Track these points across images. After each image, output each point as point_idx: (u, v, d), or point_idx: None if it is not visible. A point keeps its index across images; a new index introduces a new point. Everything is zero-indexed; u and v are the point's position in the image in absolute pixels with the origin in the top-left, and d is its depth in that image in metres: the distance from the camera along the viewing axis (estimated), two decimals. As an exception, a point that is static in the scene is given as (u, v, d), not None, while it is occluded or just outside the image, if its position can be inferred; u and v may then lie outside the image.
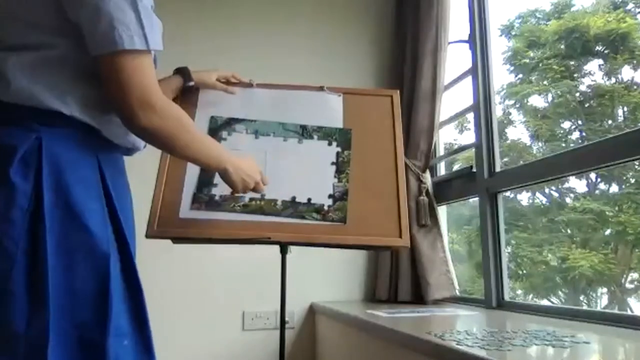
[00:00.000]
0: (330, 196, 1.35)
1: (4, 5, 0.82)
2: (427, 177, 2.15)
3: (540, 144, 4.54)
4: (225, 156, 1.07)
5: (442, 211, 2.26)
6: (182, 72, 1.35)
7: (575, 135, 4.54)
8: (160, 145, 0.94)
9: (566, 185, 4.43)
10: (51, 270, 0.73)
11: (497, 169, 1.91)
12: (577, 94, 4.41)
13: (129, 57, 0.80)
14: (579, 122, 4.43)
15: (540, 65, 4.54)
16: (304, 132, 1.44)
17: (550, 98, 4.57)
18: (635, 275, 3.92)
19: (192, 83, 1.34)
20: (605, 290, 4.05)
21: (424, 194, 2.10)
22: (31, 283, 0.72)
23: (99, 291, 0.77)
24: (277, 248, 1.38)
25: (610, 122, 4.26)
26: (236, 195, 1.24)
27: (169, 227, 1.29)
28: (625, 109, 4.21)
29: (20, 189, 0.74)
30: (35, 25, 0.82)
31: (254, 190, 1.18)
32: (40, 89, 0.79)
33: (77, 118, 0.82)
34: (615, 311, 3.24)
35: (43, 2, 0.81)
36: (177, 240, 1.36)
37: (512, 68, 4.78)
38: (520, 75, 4.76)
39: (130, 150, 0.96)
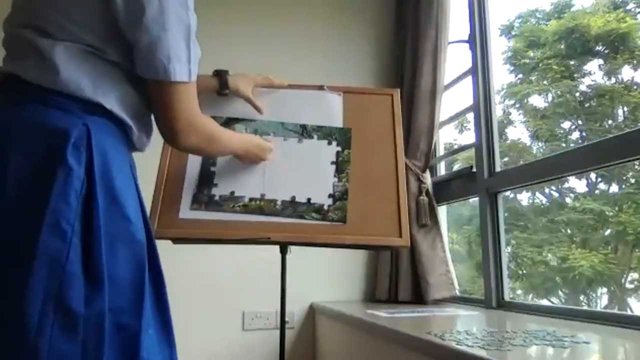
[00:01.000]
0: (330, 196, 1.35)
1: (58, 2, 0.84)
2: (427, 177, 2.15)
3: (540, 144, 4.54)
4: (239, 144, 1.27)
5: (442, 211, 2.26)
6: (221, 76, 1.35)
7: (575, 135, 4.54)
8: (197, 154, 1.27)
9: (566, 185, 4.43)
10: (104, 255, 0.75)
11: (497, 169, 1.91)
12: (577, 94, 4.40)
13: (179, 87, 0.88)
14: (579, 122, 4.43)
15: (540, 65, 4.54)
16: (304, 131, 1.44)
17: (550, 98, 4.57)
18: (635, 275, 3.92)
19: (226, 92, 1.36)
20: (605, 290, 4.05)
21: (424, 194, 2.10)
22: (87, 265, 0.73)
23: (136, 279, 0.79)
24: (277, 248, 1.38)
25: (610, 122, 4.26)
26: (236, 195, 1.33)
27: (169, 227, 1.29)
28: (625, 109, 4.21)
29: (75, 172, 0.76)
30: (89, 29, 0.85)
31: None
32: (86, 81, 0.82)
33: (115, 113, 0.85)
34: (615, 311, 3.24)
35: (103, 15, 0.84)
36: (177, 240, 1.36)
37: (512, 68, 4.78)
38: (520, 75, 4.76)
39: (138, 150, 1.01)
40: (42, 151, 0.76)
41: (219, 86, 1.36)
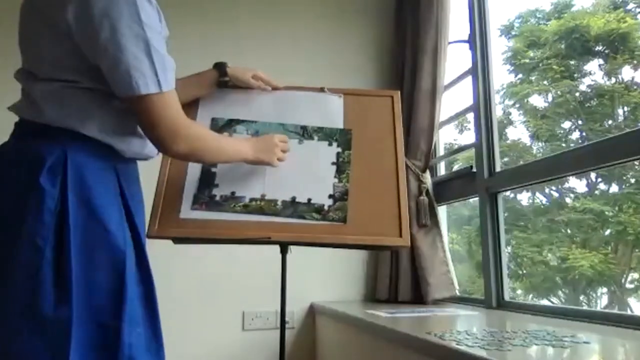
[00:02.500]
0: (330, 196, 1.36)
1: (33, 47, 0.96)
2: (427, 177, 2.15)
3: (540, 144, 4.55)
4: (243, 149, 1.24)
5: (442, 211, 2.26)
6: (219, 67, 1.40)
7: (575, 135, 4.54)
8: (193, 161, 1.23)
9: (566, 185, 4.43)
10: (74, 262, 0.84)
11: (497, 169, 1.91)
12: (577, 94, 4.41)
13: (151, 98, 0.93)
14: (579, 122, 4.43)
15: (540, 65, 4.54)
16: (305, 132, 1.44)
17: (550, 98, 4.58)
18: (635, 275, 3.92)
19: (227, 78, 1.39)
20: (605, 290, 4.05)
21: (424, 194, 2.10)
22: (58, 273, 0.83)
23: (115, 283, 0.87)
24: (277, 248, 1.38)
25: (610, 122, 4.26)
26: (237, 195, 1.32)
27: (170, 227, 1.30)
28: (625, 109, 4.21)
29: (48, 193, 0.86)
30: (60, 65, 0.94)
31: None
32: (64, 114, 0.92)
33: (96, 138, 0.94)
34: (615, 311, 3.24)
35: (66, 49, 0.92)
36: (177, 240, 1.36)
37: (512, 68, 4.78)
38: (520, 75, 4.76)
39: (146, 159, 1.09)
40: (22, 177, 0.87)
41: (218, 74, 1.39)
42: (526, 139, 4.65)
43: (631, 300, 3.86)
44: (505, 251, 1.88)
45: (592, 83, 4.38)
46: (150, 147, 1.04)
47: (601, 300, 4.09)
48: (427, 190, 2.11)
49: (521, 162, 4.01)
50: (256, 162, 1.28)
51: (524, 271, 4.34)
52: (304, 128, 1.45)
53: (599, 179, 4.25)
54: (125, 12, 0.89)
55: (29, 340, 0.80)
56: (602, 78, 4.33)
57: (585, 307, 3.76)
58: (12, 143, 0.96)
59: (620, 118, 4.25)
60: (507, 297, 1.82)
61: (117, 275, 0.88)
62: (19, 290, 0.82)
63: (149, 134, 0.98)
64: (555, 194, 4.55)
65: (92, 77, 0.94)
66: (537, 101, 4.64)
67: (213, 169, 1.37)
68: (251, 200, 1.34)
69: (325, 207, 1.34)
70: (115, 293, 0.87)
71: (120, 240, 0.90)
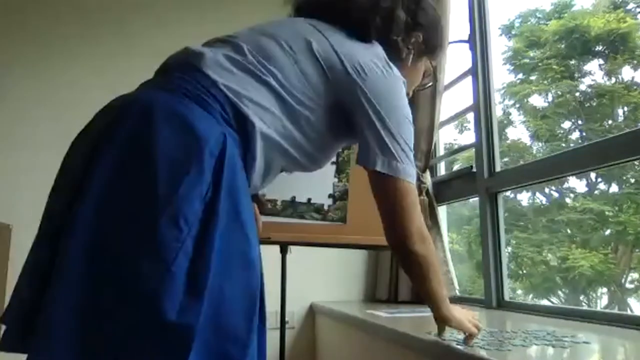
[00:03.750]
0: (330, 196, 1.36)
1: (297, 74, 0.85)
2: (427, 177, 2.15)
3: (540, 144, 4.55)
4: (449, 309, 1.02)
5: (442, 211, 2.26)
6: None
7: (575, 135, 4.54)
8: (414, 270, 0.96)
9: (566, 185, 4.44)
10: (213, 264, 0.68)
11: (497, 169, 1.90)
12: (577, 94, 4.41)
13: (411, 187, 0.89)
14: (579, 122, 4.43)
15: (540, 65, 4.54)
16: (304, 132, 1.45)
17: (550, 98, 4.58)
18: (635, 275, 3.93)
19: None
20: (605, 290, 4.05)
21: (424, 194, 2.10)
22: (192, 271, 0.67)
23: (248, 306, 0.72)
24: (277, 248, 1.38)
25: (610, 122, 4.26)
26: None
27: (169, 227, 1.29)
28: (625, 109, 4.21)
29: (205, 176, 0.71)
30: (306, 96, 0.85)
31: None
32: (237, 87, 0.80)
33: (257, 138, 0.81)
34: (615, 311, 3.24)
35: (319, 76, 0.85)
36: (177, 240, 1.36)
37: (512, 68, 4.78)
38: (520, 75, 4.76)
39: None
40: (181, 145, 0.71)
41: None
42: (526, 139, 4.66)
43: (631, 300, 3.86)
44: (505, 251, 1.87)
45: (592, 83, 4.38)
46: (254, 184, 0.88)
47: (601, 300, 4.09)
48: (427, 190, 2.11)
49: (521, 162, 4.01)
50: (448, 324, 1.03)
51: (524, 271, 4.35)
52: (303, 128, 1.45)
53: (599, 179, 4.26)
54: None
55: (141, 344, 0.64)
56: (602, 78, 4.34)
57: (585, 307, 3.76)
58: (159, 95, 0.77)
59: (620, 118, 4.25)
60: (507, 297, 1.82)
61: (252, 299, 0.72)
62: (144, 276, 0.64)
63: (397, 221, 0.92)
64: (555, 194, 4.55)
65: (325, 114, 0.87)
66: (537, 101, 4.65)
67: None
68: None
69: (325, 207, 1.34)
70: (247, 319, 0.71)
71: (257, 253, 0.75)
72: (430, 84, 1.18)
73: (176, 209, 0.67)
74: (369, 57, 0.88)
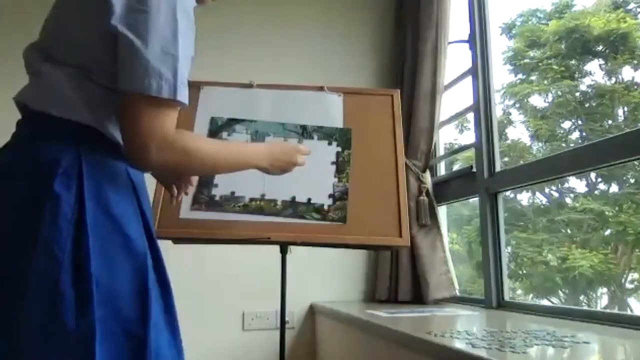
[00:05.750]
0: (330, 196, 1.36)
1: (64, 28, 0.87)
2: (427, 177, 2.15)
3: (540, 144, 4.54)
4: (256, 157, 1.07)
5: (442, 211, 2.26)
6: None
7: (575, 135, 4.54)
8: (181, 173, 1.05)
9: (566, 185, 4.43)
10: (95, 271, 0.79)
11: (497, 169, 1.91)
12: (577, 94, 4.40)
13: (152, 103, 0.82)
14: (579, 122, 4.43)
15: (541, 65, 4.54)
16: (304, 132, 1.44)
17: (550, 98, 4.57)
18: (635, 275, 3.92)
19: None
20: (605, 290, 4.05)
21: (424, 194, 2.10)
22: (77, 284, 0.78)
23: (139, 290, 0.83)
24: (277, 248, 1.38)
25: (610, 122, 4.26)
26: (236, 195, 1.29)
27: (170, 227, 1.30)
28: (625, 109, 4.21)
29: (64, 199, 0.79)
30: (86, 50, 0.85)
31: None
32: (81, 105, 0.84)
33: (109, 137, 0.87)
34: (615, 311, 3.24)
35: (103, 40, 0.83)
36: (177, 240, 1.36)
37: (512, 68, 4.78)
38: (521, 75, 4.76)
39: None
40: (36, 184, 0.81)
41: None
42: (526, 139, 4.65)
43: (631, 300, 3.86)
44: (505, 251, 1.87)
45: (592, 83, 4.37)
46: None
47: (601, 300, 4.08)
48: (427, 190, 2.11)
49: (521, 162, 4.01)
50: (267, 172, 1.11)
51: (524, 271, 4.34)
52: (303, 127, 1.45)
53: (599, 179, 4.25)
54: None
55: (53, 357, 0.75)
56: (602, 78, 4.33)
57: (585, 307, 3.76)
58: (18, 146, 0.86)
59: (620, 118, 4.25)
60: (507, 297, 1.82)
61: (141, 283, 0.84)
62: (38, 304, 0.76)
63: (132, 138, 0.86)
64: (555, 194, 4.55)
65: (106, 74, 0.85)
66: (537, 101, 4.64)
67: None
68: (251, 200, 1.34)
69: (325, 207, 1.34)
70: (140, 301, 0.83)
71: (141, 247, 0.86)
72: None
73: (47, 242, 0.77)
74: None
